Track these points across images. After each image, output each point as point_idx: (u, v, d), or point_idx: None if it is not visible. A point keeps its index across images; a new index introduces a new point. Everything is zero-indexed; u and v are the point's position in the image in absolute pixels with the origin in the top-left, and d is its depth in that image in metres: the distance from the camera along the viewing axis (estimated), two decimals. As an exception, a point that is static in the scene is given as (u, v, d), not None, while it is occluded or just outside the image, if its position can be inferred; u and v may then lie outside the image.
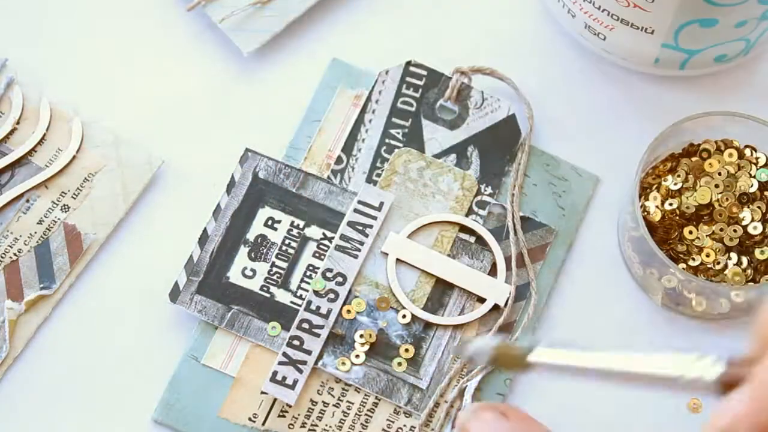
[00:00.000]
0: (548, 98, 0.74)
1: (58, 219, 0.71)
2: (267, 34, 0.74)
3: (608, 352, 0.57)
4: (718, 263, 0.68)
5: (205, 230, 0.71)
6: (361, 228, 0.71)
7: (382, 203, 0.71)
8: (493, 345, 0.63)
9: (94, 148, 0.73)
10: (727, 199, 0.69)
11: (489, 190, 0.72)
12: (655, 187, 0.70)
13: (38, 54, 0.75)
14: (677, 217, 0.69)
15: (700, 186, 0.69)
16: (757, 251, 0.68)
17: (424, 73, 0.74)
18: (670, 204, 0.69)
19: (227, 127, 0.74)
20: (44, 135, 0.73)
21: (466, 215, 0.71)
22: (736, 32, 0.69)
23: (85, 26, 0.75)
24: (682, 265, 0.68)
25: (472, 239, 0.71)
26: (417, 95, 0.73)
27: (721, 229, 0.68)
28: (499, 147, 0.73)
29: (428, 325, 0.70)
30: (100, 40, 0.75)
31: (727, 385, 0.52)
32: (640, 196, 0.69)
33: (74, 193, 0.72)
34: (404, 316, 0.70)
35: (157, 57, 0.75)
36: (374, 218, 0.71)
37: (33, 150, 0.73)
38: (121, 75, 0.75)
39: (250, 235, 0.71)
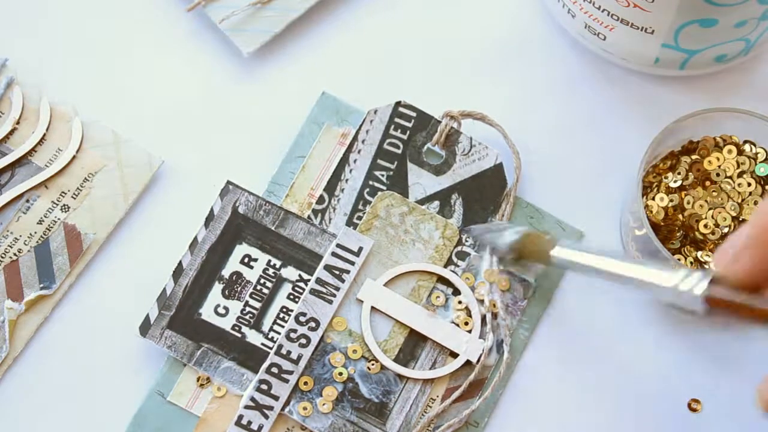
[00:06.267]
0: (547, 98, 0.74)
1: (58, 219, 0.71)
2: (267, 35, 0.74)
3: (616, 258, 0.61)
4: (714, 234, 0.68)
5: (180, 264, 0.70)
6: (337, 273, 0.70)
7: (360, 248, 0.70)
8: (520, 230, 0.65)
9: (94, 148, 0.73)
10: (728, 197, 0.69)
11: (470, 240, 0.71)
12: (655, 185, 0.70)
13: (38, 54, 0.75)
14: (680, 215, 0.69)
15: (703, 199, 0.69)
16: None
17: (413, 114, 0.73)
18: (671, 200, 0.69)
19: (227, 127, 0.74)
20: (44, 135, 0.73)
21: (445, 265, 0.70)
22: (736, 32, 0.69)
23: (85, 27, 0.75)
24: (690, 260, 0.68)
25: (450, 291, 0.70)
26: (404, 137, 0.72)
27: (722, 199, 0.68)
28: (483, 196, 0.71)
29: (398, 377, 0.69)
30: (100, 40, 0.75)
31: (712, 300, 0.56)
32: (642, 195, 0.69)
33: (74, 193, 0.72)
34: (374, 366, 0.69)
35: (157, 57, 0.75)
36: (352, 263, 0.70)
37: (33, 150, 0.72)
38: (121, 75, 0.75)
39: (226, 272, 0.70)
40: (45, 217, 0.71)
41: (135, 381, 0.69)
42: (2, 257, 0.70)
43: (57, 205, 0.71)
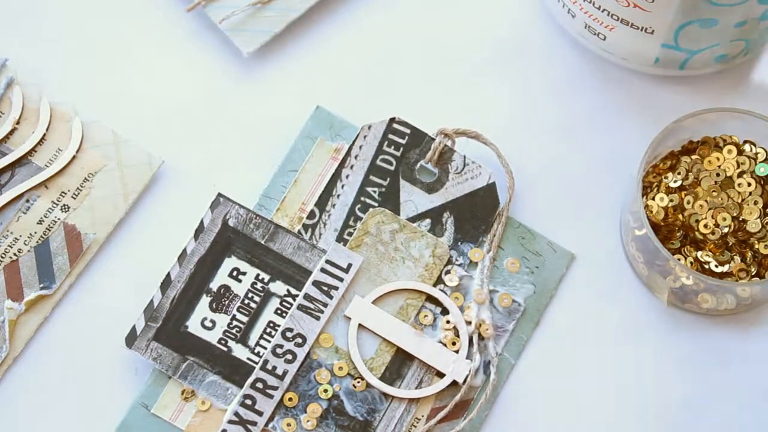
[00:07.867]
0: (547, 98, 0.74)
1: (58, 219, 0.71)
2: (267, 35, 0.74)
3: None
4: (714, 234, 0.68)
5: (168, 275, 0.70)
6: (326, 289, 0.69)
7: (350, 265, 0.70)
8: None
9: (94, 148, 0.73)
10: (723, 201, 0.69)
11: (461, 260, 0.71)
12: (655, 185, 0.70)
13: (38, 54, 0.75)
14: (680, 215, 0.69)
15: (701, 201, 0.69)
16: (761, 245, 0.68)
17: (407, 131, 0.72)
18: (671, 200, 0.69)
19: (227, 127, 0.74)
20: (44, 135, 0.73)
21: (435, 284, 0.70)
22: (736, 32, 0.69)
23: (85, 27, 0.75)
24: (690, 260, 0.68)
25: (438, 310, 0.70)
26: (398, 154, 0.72)
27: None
28: (475, 215, 0.71)
29: (384, 395, 0.69)
30: (100, 40, 0.75)
31: None
32: (642, 195, 0.69)
33: (74, 193, 0.72)
34: (359, 384, 0.69)
35: (157, 57, 0.75)
36: (341, 280, 0.70)
37: (33, 150, 0.72)
38: (121, 75, 0.75)
39: (214, 285, 0.70)
40: (45, 217, 0.71)
41: (134, 382, 0.69)
42: (2, 257, 0.70)
43: (57, 205, 0.72)
